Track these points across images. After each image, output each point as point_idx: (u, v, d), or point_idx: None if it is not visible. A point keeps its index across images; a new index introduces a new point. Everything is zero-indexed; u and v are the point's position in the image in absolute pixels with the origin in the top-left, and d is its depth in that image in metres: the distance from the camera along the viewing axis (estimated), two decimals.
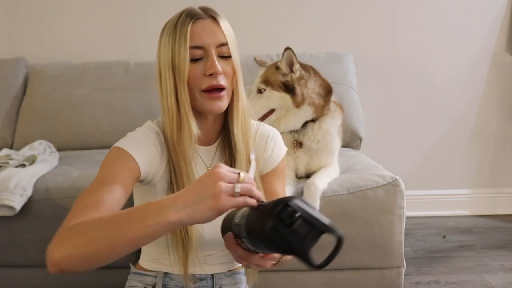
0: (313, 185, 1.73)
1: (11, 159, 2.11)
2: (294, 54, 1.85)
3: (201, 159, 1.24)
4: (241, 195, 0.84)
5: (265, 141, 1.28)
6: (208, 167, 1.24)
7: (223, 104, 1.16)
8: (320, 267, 0.79)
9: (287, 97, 1.88)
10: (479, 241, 2.62)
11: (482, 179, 3.06)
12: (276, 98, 1.88)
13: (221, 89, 1.15)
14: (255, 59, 2.08)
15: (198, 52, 1.14)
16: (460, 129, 3.01)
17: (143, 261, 1.34)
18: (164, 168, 1.19)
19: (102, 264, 0.89)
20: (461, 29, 2.93)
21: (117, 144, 1.13)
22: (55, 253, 0.88)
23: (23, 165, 2.06)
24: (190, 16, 1.15)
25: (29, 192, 1.86)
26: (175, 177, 1.17)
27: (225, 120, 1.23)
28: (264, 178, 1.28)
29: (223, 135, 1.24)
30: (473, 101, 2.99)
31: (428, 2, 2.92)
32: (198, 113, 1.18)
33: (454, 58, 2.95)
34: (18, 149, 2.43)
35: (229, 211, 0.91)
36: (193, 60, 1.14)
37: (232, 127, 1.20)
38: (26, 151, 2.28)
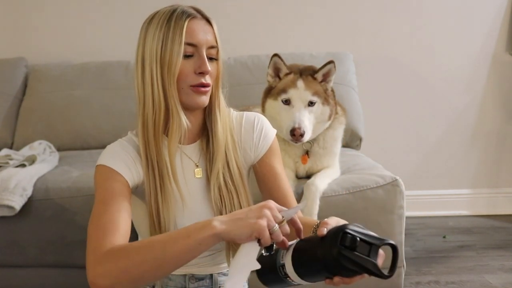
0: (313, 185, 1.73)
1: (11, 159, 2.11)
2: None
3: (189, 158, 1.25)
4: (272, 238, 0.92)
5: (252, 126, 1.31)
6: (196, 164, 1.25)
7: (207, 99, 1.21)
8: (390, 276, 0.89)
9: (327, 110, 1.80)
10: (479, 241, 2.62)
11: (482, 179, 3.06)
12: (321, 112, 1.78)
13: (206, 86, 1.19)
14: (277, 55, 1.81)
15: (190, 49, 1.17)
16: (460, 129, 3.01)
17: None
18: (143, 175, 1.20)
19: (148, 284, 0.97)
20: (461, 29, 2.93)
21: (100, 162, 1.18)
22: (100, 280, 0.95)
23: (23, 165, 2.06)
24: (186, 13, 1.17)
25: (29, 192, 1.86)
26: (154, 178, 1.18)
27: (204, 118, 1.26)
28: (262, 160, 1.30)
29: (206, 132, 1.27)
30: (473, 101, 2.99)
31: (428, 2, 2.92)
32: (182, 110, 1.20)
33: (454, 58, 2.95)
34: (18, 149, 2.44)
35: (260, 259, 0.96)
36: (185, 56, 1.16)
37: (216, 123, 1.24)
38: (26, 151, 2.28)
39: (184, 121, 1.18)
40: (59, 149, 2.45)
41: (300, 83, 1.77)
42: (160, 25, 1.16)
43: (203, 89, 1.18)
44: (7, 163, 2.07)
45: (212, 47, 1.19)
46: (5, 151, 2.29)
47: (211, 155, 1.24)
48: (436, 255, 2.46)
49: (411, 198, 2.77)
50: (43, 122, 2.57)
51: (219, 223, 0.94)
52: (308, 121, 1.74)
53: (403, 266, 1.82)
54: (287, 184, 1.30)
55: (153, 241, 0.99)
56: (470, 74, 2.97)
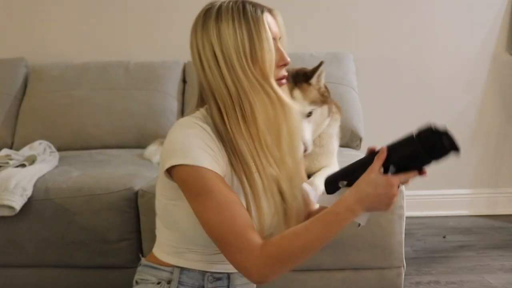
0: (313, 185, 1.73)
1: (11, 159, 2.11)
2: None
3: None
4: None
5: None
6: None
7: None
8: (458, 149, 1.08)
9: (325, 110, 1.81)
10: (479, 241, 2.62)
11: (482, 179, 3.05)
12: (320, 114, 1.78)
13: (286, 78, 1.22)
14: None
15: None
16: (460, 129, 3.00)
17: (161, 253, 1.26)
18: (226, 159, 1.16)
19: None
20: (461, 29, 2.93)
21: (184, 162, 1.09)
22: (269, 279, 1.07)
23: (23, 165, 2.06)
24: (258, 7, 1.16)
25: (29, 192, 1.86)
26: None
27: None
28: None
29: None
30: (473, 101, 2.99)
31: (428, 2, 2.92)
32: None
33: (454, 58, 2.95)
34: (18, 149, 2.43)
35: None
36: None
37: None
38: (26, 151, 2.28)
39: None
40: (59, 149, 2.44)
41: (297, 93, 1.71)
42: (237, 21, 1.12)
43: (284, 81, 1.21)
44: (7, 163, 2.07)
45: (280, 37, 1.20)
46: (5, 151, 2.29)
47: None
48: (436, 255, 2.46)
49: (411, 198, 2.76)
50: (43, 122, 2.56)
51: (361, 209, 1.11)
52: (308, 133, 1.71)
53: (403, 266, 1.82)
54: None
55: (311, 240, 1.07)
56: (470, 74, 2.97)
